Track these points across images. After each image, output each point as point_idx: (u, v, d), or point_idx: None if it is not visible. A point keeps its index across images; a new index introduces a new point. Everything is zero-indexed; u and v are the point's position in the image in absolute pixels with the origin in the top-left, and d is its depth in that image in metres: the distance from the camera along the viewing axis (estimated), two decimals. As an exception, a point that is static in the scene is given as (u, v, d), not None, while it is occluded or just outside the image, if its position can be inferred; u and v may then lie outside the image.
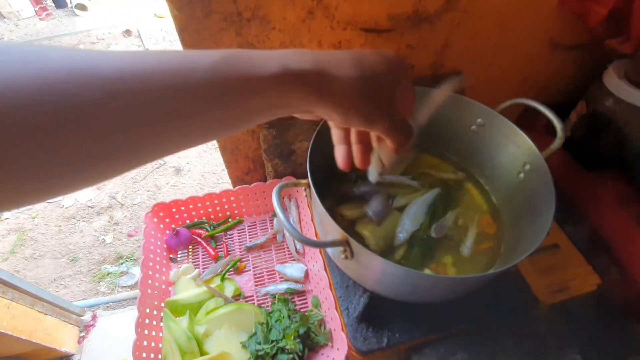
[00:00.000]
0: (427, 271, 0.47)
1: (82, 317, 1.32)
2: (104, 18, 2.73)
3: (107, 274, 1.54)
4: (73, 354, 1.25)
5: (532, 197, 0.46)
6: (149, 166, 1.88)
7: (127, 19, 2.63)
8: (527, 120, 0.73)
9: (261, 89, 0.23)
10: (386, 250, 0.49)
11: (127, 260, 1.58)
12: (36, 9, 2.73)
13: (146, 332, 0.51)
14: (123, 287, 1.51)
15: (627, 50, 0.57)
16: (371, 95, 0.27)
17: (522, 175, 0.49)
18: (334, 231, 0.39)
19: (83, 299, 1.46)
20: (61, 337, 1.22)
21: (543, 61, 0.67)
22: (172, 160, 1.91)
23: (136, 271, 1.50)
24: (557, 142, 0.45)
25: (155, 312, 0.55)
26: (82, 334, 1.30)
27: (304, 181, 0.44)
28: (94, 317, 1.33)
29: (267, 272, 0.63)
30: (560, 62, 0.68)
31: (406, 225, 0.50)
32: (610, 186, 0.63)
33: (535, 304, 0.50)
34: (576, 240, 0.61)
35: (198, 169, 1.88)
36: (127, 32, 2.59)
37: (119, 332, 1.32)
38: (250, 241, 0.66)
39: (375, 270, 0.40)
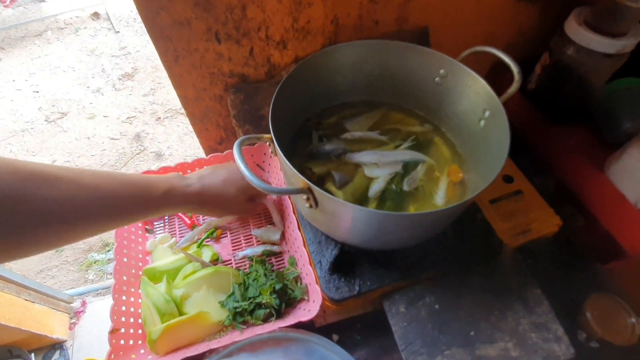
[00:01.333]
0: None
1: (71, 304, 1.32)
2: (70, 2, 2.60)
3: (94, 262, 1.54)
4: (65, 340, 1.26)
5: (493, 143, 0.47)
6: (129, 152, 1.85)
7: (95, 1, 2.52)
8: (495, 77, 0.74)
9: (174, 210, 0.48)
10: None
11: (113, 247, 1.57)
12: (-2, -5, 2.59)
13: (124, 297, 0.52)
14: (111, 273, 1.50)
15: (586, -4, 0.57)
16: (237, 203, 0.55)
17: (482, 122, 0.50)
18: (297, 180, 0.39)
19: (72, 288, 1.46)
20: (51, 324, 1.22)
21: (507, 15, 0.67)
22: (153, 145, 1.88)
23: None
24: (514, 86, 0.46)
25: (133, 280, 0.55)
26: (72, 321, 1.30)
27: (267, 136, 0.44)
28: (84, 304, 1.34)
29: (244, 237, 0.64)
30: (524, 16, 0.68)
31: (381, 176, 0.51)
32: (574, 136, 0.65)
33: (499, 247, 0.52)
34: (544, 191, 0.63)
35: (179, 153, 1.86)
36: (96, 15, 2.49)
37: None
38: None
39: (339, 216, 0.41)
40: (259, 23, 0.53)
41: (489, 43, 0.71)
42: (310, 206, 0.40)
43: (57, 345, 1.25)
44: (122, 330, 0.49)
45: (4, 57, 2.36)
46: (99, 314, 1.33)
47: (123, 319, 0.50)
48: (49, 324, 1.21)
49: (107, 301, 1.38)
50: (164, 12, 0.47)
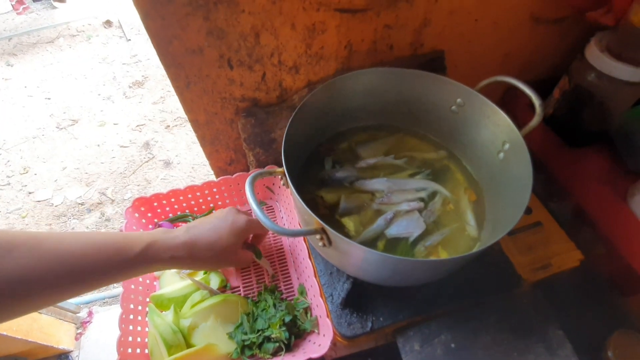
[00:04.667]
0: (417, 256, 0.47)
1: (78, 314, 1.33)
2: (83, 9, 2.64)
3: (102, 271, 1.53)
4: (71, 351, 1.26)
5: (512, 176, 0.46)
6: (138, 160, 1.86)
7: (107, 9, 2.55)
8: (510, 100, 0.73)
9: (157, 267, 0.43)
10: (371, 239, 0.49)
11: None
12: (13, 3, 2.63)
13: (131, 327, 0.51)
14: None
15: (609, 22, 0.56)
16: (224, 260, 0.49)
17: (502, 154, 0.48)
18: (310, 219, 0.38)
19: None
20: (58, 334, 1.22)
21: (525, 37, 0.65)
22: (161, 153, 1.89)
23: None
24: (536, 119, 0.44)
25: (140, 308, 0.55)
26: (79, 331, 1.30)
27: (279, 169, 0.43)
28: (90, 314, 1.34)
29: (252, 262, 0.62)
30: (542, 38, 0.66)
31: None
32: (594, 162, 0.63)
33: (518, 282, 0.50)
34: (561, 217, 0.61)
35: (188, 161, 1.86)
36: (108, 23, 2.52)
37: (116, 327, 1.33)
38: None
39: (353, 257, 0.39)
40: (272, 49, 0.52)
41: (505, 65, 0.70)
42: (324, 245, 0.39)
43: (63, 356, 1.25)
44: (129, 362, 0.48)
45: (16, 63, 2.40)
46: (105, 325, 1.33)
47: (129, 350, 0.49)
48: (55, 334, 1.21)
49: (114, 311, 1.38)
50: (177, 41, 0.47)
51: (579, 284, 0.59)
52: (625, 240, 0.58)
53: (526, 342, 0.46)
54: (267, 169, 0.43)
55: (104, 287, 1.48)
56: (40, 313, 1.18)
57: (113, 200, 1.71)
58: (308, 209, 0.37)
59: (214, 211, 0.68)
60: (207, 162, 2.07)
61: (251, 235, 0.58)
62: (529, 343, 0.46)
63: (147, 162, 1.86)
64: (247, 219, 0.51)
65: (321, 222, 0.36)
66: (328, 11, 0.50)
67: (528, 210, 0.57)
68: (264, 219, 0.35)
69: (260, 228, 0.54)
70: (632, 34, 0.52)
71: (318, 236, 0.38)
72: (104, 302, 1.45)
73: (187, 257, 0.42)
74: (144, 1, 0.42)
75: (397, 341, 0.48)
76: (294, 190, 0.39)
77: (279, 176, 0.44)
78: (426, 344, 0.47)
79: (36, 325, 1.15)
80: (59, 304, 1.25)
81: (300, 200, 0.38)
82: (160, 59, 0.48)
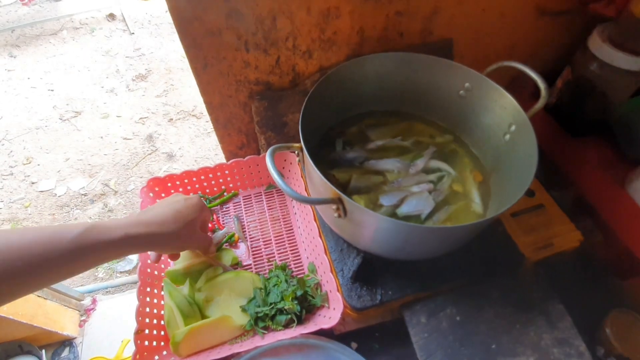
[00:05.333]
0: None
1: (82, 302, 1.34)
2: (86, 2, 2.65)
3: (105, 260, 1.55)
4: (75, 337, 1.27)
5: (518, 156, 0.48)
6: (141, 152, 1.87)
7: (111, 2, 2.55)
8: (515, 88, 0.75)
9: (109, 249, 0.38)
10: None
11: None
12: (17, -6, 2.64)
13: (148, 299, 0.53)
14: (121, 272, 1.52)
15: (611, 13, 0.58)
16: (184, 236, 0.46)
17: (508, 136, 0.50)
18: (327, 191, 0.40)
19: (82, 285, 1.47)
20: (62, 321, 1.23)
21: (530, 28, 0.67)
22: (164, 146, 1.90)
23: (133, 257, 1.50)
24: (541, 102, 0.46)
25: (156, 282, 0.56)
26: (82, 318, 1.31)
27: (296, 145, 0.45)
28: (94, 301, 1.35)
29: (263, 241, 0.64)
30: (547, 29, 0.68)
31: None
32: (594, 150, 0.65)
33: (521, 260, 0.52)
34: (562, 204, 0.64)
35: (191, 154, 1.88)
36: (111, 16, 2.52)
37: (119, 315, 1.34)
38: (246, 214, 0.68)
39: (366, 227, 0.41)
40: (287, 33, 0.54)
41: (510, 55, 0.73)
42: (339, 216, 0.41)
43: (67, 342, 1.26)
44: (147, 331, 0.50)
45: (19, 55, 2.40)
46: (108, 312, 1.34)
47: (147, 320, 0.51)
48: (59, 320, 1.22)
49: (117, 300, 1.39)
50: (198, 22, 0.48)
51: (578, 267, 0.61)
52: (624, 225, 0.60)
53: (528, 315, 0.49)
54: (285, 144, 0.45)
55: (109, 274, 1.49)
56: (46, 299, 1.19)
57: (116, 192, 1.72)
58: (325, 180, 0.39)
59: (225, 193, 0.70)
60: (209, 155, 2.07)
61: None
62: (531, 316, 0.48)
63: (150, 154, 1.88)
64: (198, 197, 0.52)
65: (338, 191, 0.38)
66: (343, -4, 0.52)
67: (531, 193, 0.59)
68: (285, 187, 0.37)
69: (208, 213, 0.55)
70: (633, 25, 0.54)
71: (334, 206, 0.40)
72: (107, 291, 1.46)
73: (144, 234, 0.40)
74: (169, -19, 0.44)
75: (404, 314, 0.50)
76: (311, 162, 0.41)
77: (295, 152, 0.46)
78: (432, 317, 0.49)
79: (41, 311, 1.16)
80: (64, 291, 1.26)
81: (318, 171, 0.39)
82: (181, 40, 0.50)
